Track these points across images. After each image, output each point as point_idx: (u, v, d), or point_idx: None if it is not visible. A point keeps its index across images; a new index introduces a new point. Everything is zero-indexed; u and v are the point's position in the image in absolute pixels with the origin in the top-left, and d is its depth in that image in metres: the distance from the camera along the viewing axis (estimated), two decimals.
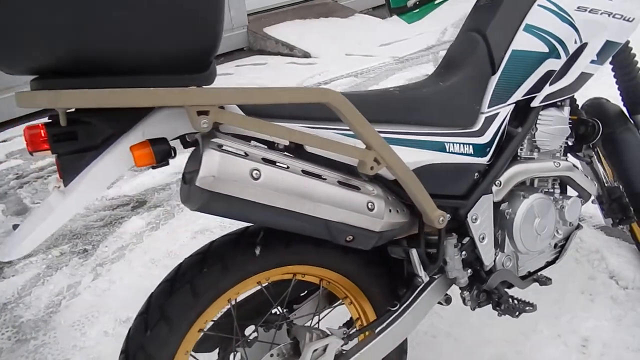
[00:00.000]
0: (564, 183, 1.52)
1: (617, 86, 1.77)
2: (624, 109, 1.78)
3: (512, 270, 1.41)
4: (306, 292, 1.40)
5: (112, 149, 0.92)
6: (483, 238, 1.31)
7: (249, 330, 1.30)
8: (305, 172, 1.00)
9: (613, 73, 1.75)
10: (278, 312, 1.36)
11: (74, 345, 1.93)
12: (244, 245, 1.15)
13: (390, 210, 1.11)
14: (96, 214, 2.80)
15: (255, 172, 0.92)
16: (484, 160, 1.30)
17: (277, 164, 0.96)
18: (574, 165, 1.47)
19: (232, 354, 1.31)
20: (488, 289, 1.36)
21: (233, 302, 1.20)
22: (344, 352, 1.22)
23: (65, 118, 0.87)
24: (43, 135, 0.93)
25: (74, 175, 0.93)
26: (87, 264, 2.39)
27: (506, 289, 1.40)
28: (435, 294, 1.33)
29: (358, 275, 1.29)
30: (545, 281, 1.45)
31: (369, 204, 1.06)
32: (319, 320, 1.34)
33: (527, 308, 1.33)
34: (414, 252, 1.21)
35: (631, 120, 1.76)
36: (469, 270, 1.34)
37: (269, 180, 0.94)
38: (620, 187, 1.79)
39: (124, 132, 0.93)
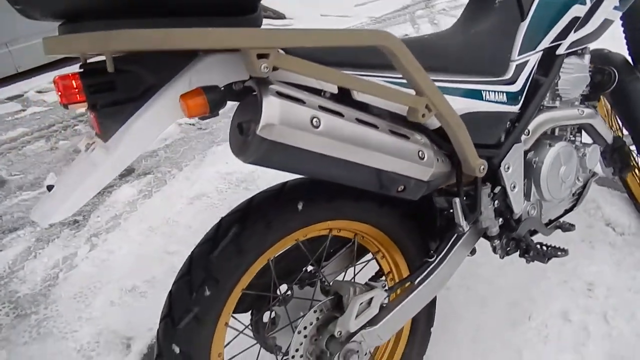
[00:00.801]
0: (580, 131, 1.54)
1: (624, 35, 1.78)
2: (629, 59, 1.80)
3: (537, 218, 1.43)
4: (338, 247, 1.37)
5: (157, 100, 0.84)
6: (514, 187, 1.32)
7: (283, 289, 1.28)
8: (359, 121, 0.95)
9: (622, 22, 1.76)
10: (311, 270, 1.33)
11: (79, 317, 1.86)
12: (285, 201, 1.10)
13: (437, 160, 1.09)
14: None
15: (315, 119, 0.87)
16: (516, 108, 1.29)
17: (334, 112, 0.92)
18: (595, 112, 1.48)
19: (266, 313, 1.28)
20: (517, 238, 1.38)
21: (272, 260, 1.16)
22: (384, 305, 1.21)
23: (112, 64, 0.78)
24: (75, 86, 0.84)
25: (114, 130, 0.86)
26: (80, 235, 2.29)
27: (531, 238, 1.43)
28: (468, 243, 1.34)
29: (392, 228, 1.28)
30: (568, 227, 1.48)
31: (420, 152, 1.04)
32: (355, 274, 1.33)
33: (559, 253, 1.36)
34: (457, 202, 1.19)
35: (636, 69, 1.79)
36: (500, 220, 1.35)
37: (328, 128, 0.89)
38: (622, 136, 1.84)
39: (166, 81, 0.86)
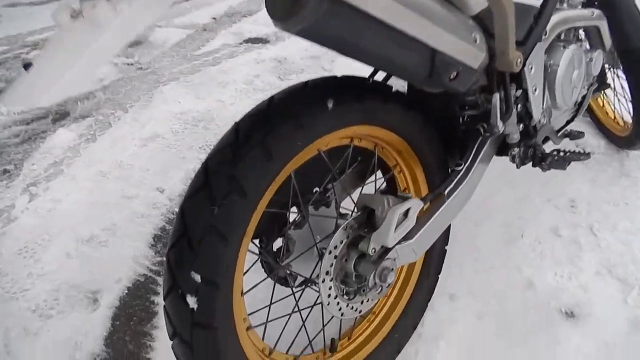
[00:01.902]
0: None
1: None
2: None
3: (551, 126, 1.37)
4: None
5: None
6: (535, 89, 1.24)
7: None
8: None
9: None
10: (321, 190, 1.18)
11: (29, 273, 1.58)
12: (315, 99, 0.92)
13: (483, 48, 0.96)
14: (7, 131, 2.26)
15: None
16: (538, 3, 1.19)
17: None
18: (603, 15, 1.42)
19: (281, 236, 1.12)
20: (534, 145, 1.31)
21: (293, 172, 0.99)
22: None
23: None
24: None
25: None
26: (15, 185, 1.95)
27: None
28: (491, 150, 1.25)
29: (415, 136, 1.16)
30: (577, 135, 1.44)
31: (473, 34, 0.90)
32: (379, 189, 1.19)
33: (582, 157, 1.30)
34: (496, 98, 1.08)
35: None
36: (521, 126, 1.27)
37: None
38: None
39: None
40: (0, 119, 2.33)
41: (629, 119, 2.03)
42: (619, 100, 2.01)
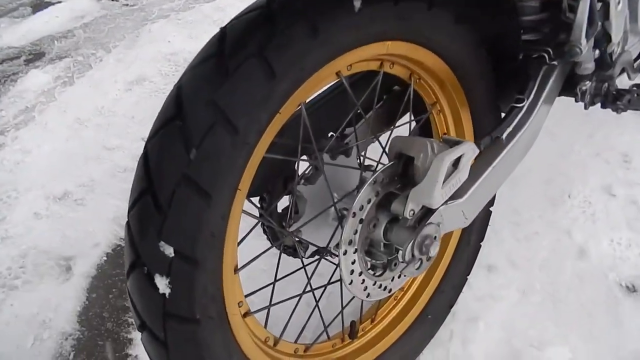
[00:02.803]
0: None
1: None
2: None
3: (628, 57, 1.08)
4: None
5: None
6: (619, 3, 0.94)
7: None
8: None
9: None
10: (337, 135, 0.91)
11: None
12: None
13: None
14: None
15: None
16: None
17: None
18: None
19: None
20: (610, 79, 1.02)
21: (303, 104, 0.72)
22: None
23: None
24: None
25: None
26: None
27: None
28: (556, 86, 0.97)
29: (465, 63, 0.88)
30: None
31: None
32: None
33: None
34: (585, 3, 0.79)
35: None
36: (596, 52, 0.98)
37: None
38: None
39: None
40: None
41: None
42: None
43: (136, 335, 1.15)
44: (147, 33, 2.23)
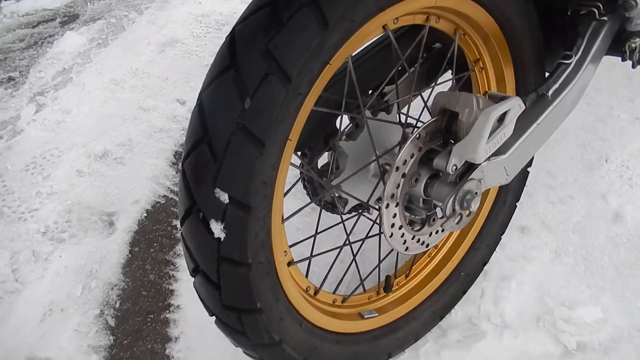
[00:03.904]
0: None
1: None
2: None
3: None
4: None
5: None
6: None
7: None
8: None
9: None
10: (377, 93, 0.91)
11: (38, 192, 1.40)
12: None
13: None
14: (10, 34, 2.02)
15: None
16: None
17: None
18: None
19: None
20: None
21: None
22: None
23: None
24: None
25: None
26: (20, 94, 1.74)
27: None
28: (605, 43, 0.94)
29: (511, 18, 0.86)
30: None
31: None
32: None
33: None
34: None
35: None
36: None
37: None
38: None
39: None
40: (4, 21, 2.08)
41: None
42: None
43: (177, 287, 1.20)
44: None
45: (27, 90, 1.74)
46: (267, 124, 0.59)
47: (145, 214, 1.35)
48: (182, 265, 1.24)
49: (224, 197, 0.61)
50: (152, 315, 1.14)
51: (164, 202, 1.39)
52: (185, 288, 1.19)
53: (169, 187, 1.42)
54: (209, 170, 0.60)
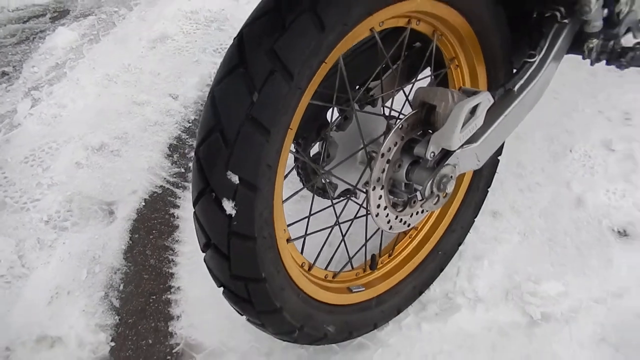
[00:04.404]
0: None
1: None
2: None
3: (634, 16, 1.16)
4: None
5: None
6: None
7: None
8: None
9: None
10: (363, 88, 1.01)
11: (38, 183, 1.46)
12: None
13: None
14: (1, 30, 2.06)
15: None
16: None
17: None
18: None
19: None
20: (616, 37, 1.11)
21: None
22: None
23: None
24: None
25: None
26: (15, 89, 1.79)
27: None
28: (566, 43, 1.06)
29: (483, 20, 0.97)
30: None
31: None
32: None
33: None
34: None
35: None
36: (604, 11, 1.06)
37: None
38: None
39: None
40: None
41: None
42: None
43: (177, 270, 1.28)
44: None
45: (22, 85, 1.78)
46: (272, 114, 0.69)
47: (144, 203, 1.43)
48: (181, 250, 1.32)
49: (235, 179, 0.70)
50: (154, 297, 1.22)
51: (160, 192, 1.46)
52: (184, 271, 1.28)
53: (165, 178, 1.50)
54: (222, 155, 0.70)
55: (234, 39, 0.73)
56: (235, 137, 0.68)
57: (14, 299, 1.19)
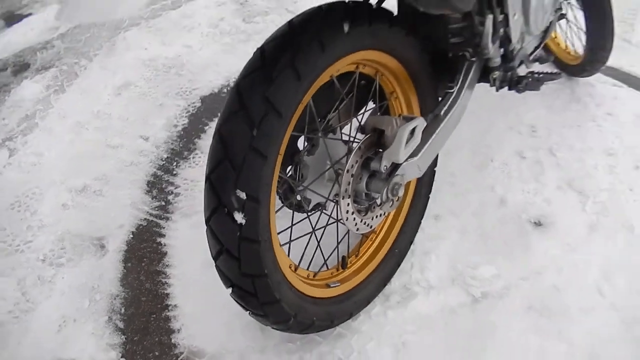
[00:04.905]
0: None
1: None
2: None
3: (525, 51, 1.50)
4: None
5: None
6: (515, 14, 1.35)
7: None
8: None
9: None
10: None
11: (28, 226, 1.57)
12: (331, 22, 0.99)
13: None
14: None
15: None
16: None
17: None
18: None
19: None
20: (511, 69, 1.44)
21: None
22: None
23: None
24: None
25: None
26: None
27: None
28: (477, 73, 1.37)
29: (412, 62, 1.25)
30: (546, 58, 1.58)
31: None
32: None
33: (554, 77, 1.45)
34: (489, 19, 1.19)
35: None
36: (501, 50, 1.39)
37: None
38: None
39: None
40: None
41: (579, 48, 2.22)
42: (571, 29, 2.17)
43: (172, 290, 1.44)
44: (122, 41, 2.45)
45: None
46: (268, 144, 0.91)
47: (132, 236, 1.58)
48: (173, 273, 1.48)
49: (243, 195, 0.91)
50: (154, 315, 1.37)
51: (145, 224, 1.62)
52: (178, 291, 1.44)
53: (147, 212, 1.66)
54: (231, 178, 0.90)
55: (232, 88, 0.94)
56: (242, 163, 0.90)
57: (24, 331, 1.29)
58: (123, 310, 1.37)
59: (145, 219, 1.63)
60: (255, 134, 0.90)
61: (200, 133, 1.98)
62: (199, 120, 2.05)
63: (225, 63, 2.35)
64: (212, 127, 2.01)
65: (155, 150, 1.89)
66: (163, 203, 1.69)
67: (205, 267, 1.49)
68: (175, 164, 1.84)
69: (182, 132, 1.98)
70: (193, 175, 1.78)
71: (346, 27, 0.99)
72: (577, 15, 2.11)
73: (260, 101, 0.90)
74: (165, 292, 1.43)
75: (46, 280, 1.42)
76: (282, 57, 0.92)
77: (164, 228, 1.61)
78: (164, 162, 1.84)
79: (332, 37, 0.97)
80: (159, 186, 1.75)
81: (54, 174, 1.73)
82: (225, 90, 2.22)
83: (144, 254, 1.53)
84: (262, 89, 0.90)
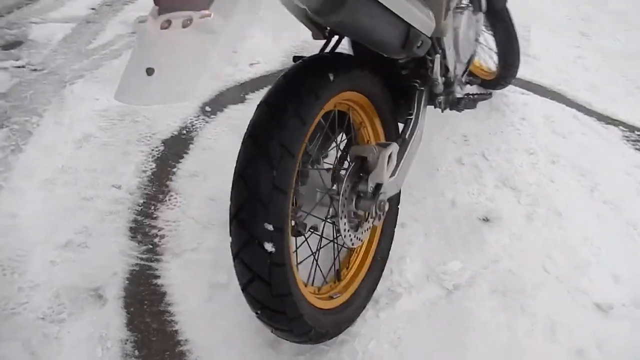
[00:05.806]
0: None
1: None
2: None
3: (459, 77, 1.79)
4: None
5: None
6: (450, 48, 1.62)
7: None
8: None
9: None
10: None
11: (19, 288, 1.57)
12: (320, 73, 1.17)
13: (433, 21, 1.29)
14: None
15: None
16: None
17: None
18: None
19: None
20: (452, 93, 1.71)
21: None
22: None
23: None
24: None
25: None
26: None
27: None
28: (426, 100, 1.62)
29: (377, 97, 1.47)
30: (472, 80, 1.88)
31: (427, 11, 1.22)
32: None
33: (486, 96, 1.74)
34: (437, 58, 1.43)
35: None
36: (443, 79, 1.65)
37: None
38: None
39: None
40: None
41: (491, 65, 2.60)
42: (483, 50, 2.54)
43: (179, 327, 1.52)
44: (70, 94, 2.46)
45: None
46: (286, 181, 1.07)
47: (127, 281, 1.63)
48: (176, 310, 1.56)
49: (270, 227, 1.06)
50: (168, 352, 1.44)
51: (138, 268, 1.68)
52: (186, 326, 1.51)
53: (137, 256, 1.72)
54: (260, 214, 1.05)
55: (246, 135, 1.09)
56: (268, 199, 1.05)
57: None
58: (137, 353, 1.43)
59: (136, 263, 1.69)
60: (276, 174, 1.05)
61: (170, 175, 2.07)
62: (166, 163, 2.13)
63: (178, 105, 2.45)
64: (180, 169, 2.10)
65: (130, 196, 1.95)
66: (150, 246, 1.75)
67: (207, 300, 1.59)
68: (153, 207, 1.91)
69: (152, 177, 2.05)
70: (174, 216, 1.87)
71: (331, 76, 1.18)
72: (487, 39, 2.49)
73: (276, 146, 1.06)
74: (174, 329, 1.51)
75: (52, 337, 1.44)
76: (288, 107, 1.09)
77: (157, 270, 1.68)
78: (142, 207, 1.90)
79: (322, 86, 1.16)
80: (143, 231, 1.81)
81: (35, 233, 1.74)
82: (184, 131, 2.32)
83: (144, 297, 1.59)
84: (278, 136, 1.06)
